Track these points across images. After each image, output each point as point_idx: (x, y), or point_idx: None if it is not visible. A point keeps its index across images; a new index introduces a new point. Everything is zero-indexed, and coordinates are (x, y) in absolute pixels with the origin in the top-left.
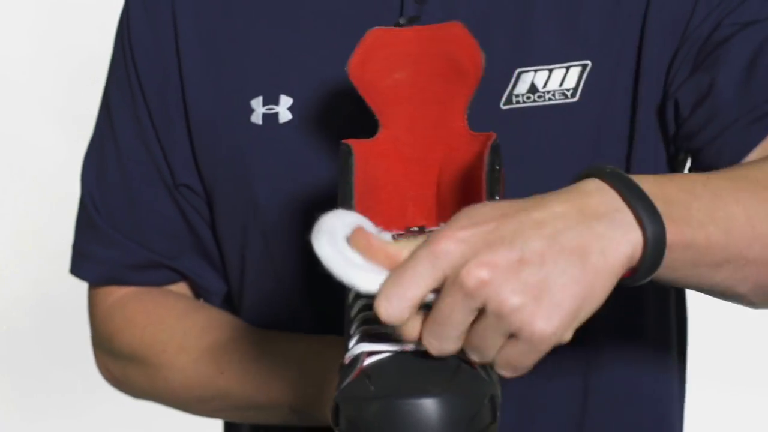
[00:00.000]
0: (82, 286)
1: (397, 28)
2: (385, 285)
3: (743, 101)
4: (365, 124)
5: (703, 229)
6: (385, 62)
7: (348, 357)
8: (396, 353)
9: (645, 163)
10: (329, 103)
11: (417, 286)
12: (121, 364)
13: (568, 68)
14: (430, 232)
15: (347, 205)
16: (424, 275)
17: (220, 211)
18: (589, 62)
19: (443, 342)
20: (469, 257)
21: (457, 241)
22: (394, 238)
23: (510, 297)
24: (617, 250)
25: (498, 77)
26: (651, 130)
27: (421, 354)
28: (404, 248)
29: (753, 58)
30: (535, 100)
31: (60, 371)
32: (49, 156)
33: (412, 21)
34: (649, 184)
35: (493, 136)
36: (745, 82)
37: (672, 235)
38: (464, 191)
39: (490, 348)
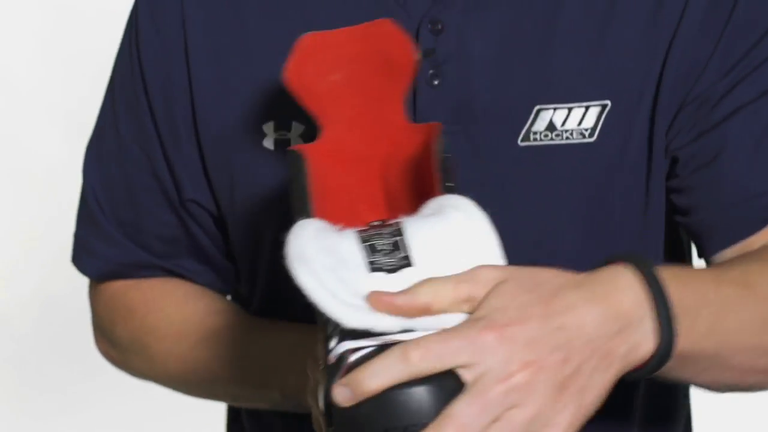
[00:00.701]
0: (84, 287)
1: (330, 30)
2: (425, 339)
3: (748, 184)
4: None
5: (701, 342)
6: (320, 66)
7: (332, 357)
8: (380, 347)
9: (657, 206)
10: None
11: (448, 357)
12: (122, 350)
13: (587, 107)
14: (394, 223)
15: (305, 212)
16: (458, 355)
17: (233, 226)
18: (609, 102)
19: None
20: (510, 357)
21: (502, 339)
22: (359, 234)
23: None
24: (634, 357)
25: (517, 113)
26: (662, 174)
27: None
28: (422, 295)
29: (762, 136)
30: (552, 139)
31: (63, 371)
32: (52, 157)
33: (428, 54)
34: (673, 286)
35: (438, 125)
36: (752, 163)
37: (676, 346)
38: (415, 182)
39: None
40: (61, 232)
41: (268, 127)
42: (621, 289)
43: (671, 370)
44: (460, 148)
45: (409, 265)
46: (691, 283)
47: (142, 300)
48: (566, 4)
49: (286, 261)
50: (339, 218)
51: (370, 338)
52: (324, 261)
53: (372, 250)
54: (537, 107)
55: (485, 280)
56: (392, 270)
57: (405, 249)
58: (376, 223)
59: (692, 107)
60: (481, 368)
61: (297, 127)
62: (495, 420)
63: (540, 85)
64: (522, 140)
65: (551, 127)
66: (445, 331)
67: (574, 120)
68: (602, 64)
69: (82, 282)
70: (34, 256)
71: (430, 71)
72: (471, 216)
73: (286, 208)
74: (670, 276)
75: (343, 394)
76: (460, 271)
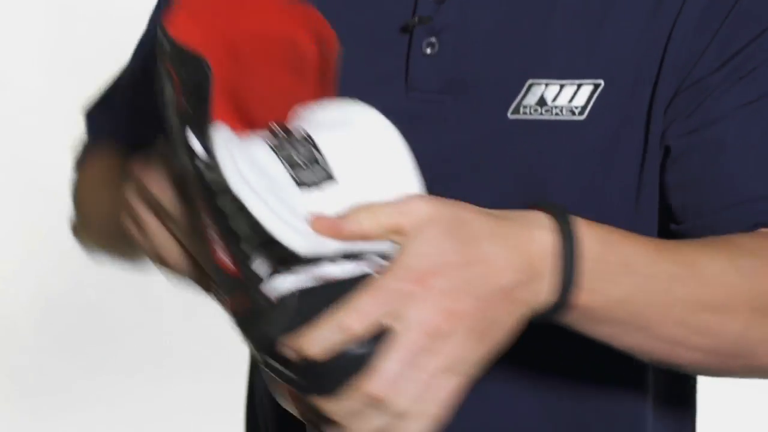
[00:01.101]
0: (85, 287)
1: None
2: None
3: (741, 188)
4: None
5: (615, 307)
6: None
7: (272, 293)
8: (323, 286)
9: (651, 187)
10: (341, 86)
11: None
12: (77, 221)
13: (579, 86)
14: (299, 131)
15: (205, 116)
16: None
17: None
18: (602, 82)
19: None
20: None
21: (424, 290)
22: (270, 145)
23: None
24: (535, 304)
25: (509, 85)
26: (656, 165)
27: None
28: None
29: (760, 139)
30: (542, 113)
31: (63, 370)
32: (55, 160)
33: (423, 21)
34: (592, 246)
35: (334, 35)
36: (748, 166)
37: (576, 299)
38: (287, 78)
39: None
40: (63, 234)
41: None
42: (534, 240)
43: (581, 323)
44: (450, 117)
45: (331, 179)
46: (620, 249)
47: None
48: None
49: (218, 176)
50: (230, 120)
51: (305, 268)
52: (260, 181)
53: (291, 164)
54: (529, 81)
55: (417, 216)
56: (317, 185)
57: (324, 163)
58: (278, 131)
59: (687, 94)
60: (406, 319)
61: None
62: (415, 367)
63: (534, 59)
64: (512, 113)
65: (542, 102)
66: (372, 286)
67: (565, 97)
68: (599, 44)
69: (84, 282)
70: (36, 257)
71: (427, 39)
72: (383, 128)
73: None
74: (593, 237)
75: (289, 354)
76: (381, 188)
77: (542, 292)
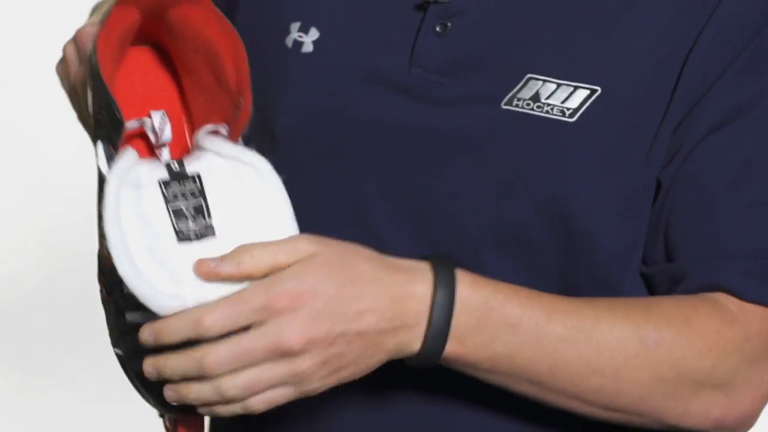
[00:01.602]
0: (93, 283)
1: None
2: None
3: (724, 245)
4: (386, 85)
5: (497, 361)
6: None
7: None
8: None
9: (643, 204)
10: (350, 47)
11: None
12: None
13: (576, 88)
14: (193, 177)
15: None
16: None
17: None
18: (599, 89)
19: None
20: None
21: (291, 307)
22: (163, 191)
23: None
24: (401, 352)
25: (508, 77)
26: (652, 178)
27: None
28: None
29: (756, 198)
30: (533, 109)
31: (71, 365)
32: (64, 157)
33: (441, 1)
34: (473, 298)
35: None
36: (737, 223)
37: (450, 349)
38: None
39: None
40: (72, 230)
41: (295, 26)
42: (413, 292)
43: (466, 370)
44: (447, 99)
45: (212, 234)
46: (504, 309)
47: None
48: None
49: (103, 225)
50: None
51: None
52: (140, 232)
53: (176, 214)
54: (528, 75)
55: (298, 253)
56: (197, 237)
57: (207, 215)
58: (175, 167)
59: (685, 129)
60: (263, 328)
61: (314, 33)
62: (255, 365)
63: (537, 55)
64: (505, 104)
65: (536, 97)
66: (243, 292)
67: (559, 97)
68: (605, 51)
69: (90, 277)
70: (45, 254)
71: (440, 19)
72: (269, 183)
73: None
74: (475, 295)
75: (145, 336)
76: (258, 238)
77: (409, 342)
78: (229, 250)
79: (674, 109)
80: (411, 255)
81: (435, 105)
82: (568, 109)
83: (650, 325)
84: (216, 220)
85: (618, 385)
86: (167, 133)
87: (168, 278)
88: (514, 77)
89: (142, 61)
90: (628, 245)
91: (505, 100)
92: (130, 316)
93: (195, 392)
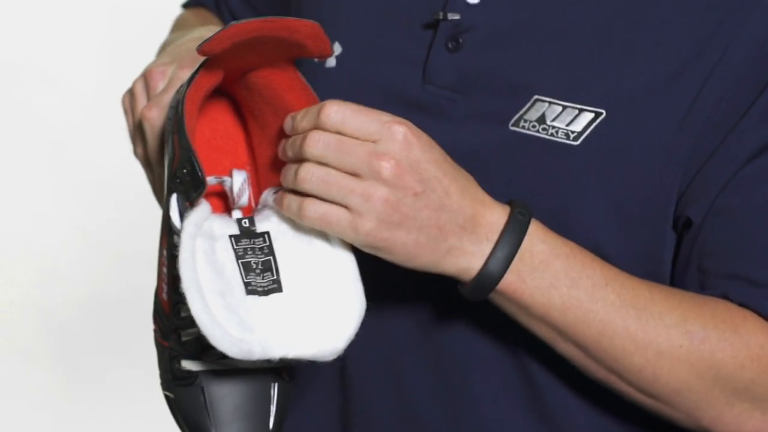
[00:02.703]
0: (137, 284)
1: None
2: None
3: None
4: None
5: (550, 310)
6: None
7: (183, 367)
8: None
9: (653, 229)
10: (370, 63)
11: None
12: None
13: (580, 111)
14: (263, 235)
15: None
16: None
17: None
18: (604, 112)
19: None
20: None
21: (404, 140)
22: (234, 247)
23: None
24: (456, 261)
25: (516, 98)
26: (670, 202)
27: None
28: None
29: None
30: (538, 131)
31: (115, 368)
32: (108, 156)
33: (451, 18)
34: (542, 242)
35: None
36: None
37: (506, 283)
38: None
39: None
40: (116, 230)
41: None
42: (492, 208)
43: (515, 312)
44: (458, 117)
45: (279, 289)
46: (568, 262)
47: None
48: (603, 6)
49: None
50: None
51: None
52: (213, 279)
53: (246, 268)
54: (535, 96)
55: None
56: (265, 292)
57: (275, 272)
58: (246, 224)
59: (716, 161)
60: (375, 145)
61: (337, 48)
62: (341, 170)
63: (544, 76)
64: (512, 125)
65: (541, 119)
66: (363, 109)
67: (565, 119)
68: (611, 75)
69: (137, 280)
70: (89, 254)
71: (451, 36)
72: (335, 245)
73: None
74: (545, 240)
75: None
76: (324, 304)
77: (471, 255)
78: (293, 306)
79: (689, 134)
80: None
81: (447, 122)
82: (573, 132)
83: (699, 322)
84: (283, 276)
85: (657, 371)
86: (245, 199)
87: (237, 324)
88: (522, 98)
89: (211, 107)
90: (632, 265)
91: (513, 120)
92: (187, 364)
93: (284, 173)
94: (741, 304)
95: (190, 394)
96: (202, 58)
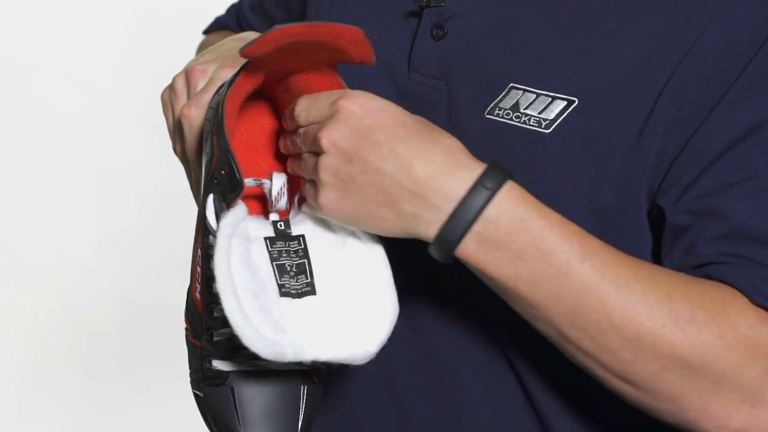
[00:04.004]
0: (164, 288)
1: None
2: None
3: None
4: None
5: (518, 283)
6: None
7: (214, 368)
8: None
9: (628, 216)
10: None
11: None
12: None
13: (553, 99)
14: (298, 238)
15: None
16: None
17: None
18: (576, 100)
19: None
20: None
21: (346, 111)
22: (269, 249)
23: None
24: (413, 226)
25: (493, 86)
26: (643, 185)
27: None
28: None
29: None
30: (512, 119)
31: (142, 370)
32: (136, 159)
33: (435, 4)
34: (508, 214)
35: None
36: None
37: (464, 250)
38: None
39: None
40: (143, 233)
41: None
42: (452, 176)
43: (487, 281)
44: (442, 105)
45: (313, 292)
46: (539, 234)
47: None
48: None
49: (212, 258)
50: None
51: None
52: (247, 279)
53: (280, 270)
54: (511, 85)
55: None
56: (298, 294)
57: (309, 275)
58: (281, 227)
59: (689, 157)
60: (325, 121)
61: None
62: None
63: (520, 64)
64: (488, 113)
65: (515, 107)
66: (320, 95)
67: (537, 107)
68: (584, 63)
69: (158, 281)
70: (117, 257)
71: (435, 23)
72: (369, 249)
73: None
74: (515, 209)
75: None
76: (356, 307)
77: (427, 224)
78: (327, 309)
79: (658, 121)
80: (396, 259)
81: (433, 110)
82: (545, 119)
83: (685, 301)
84: (317, 280)
85: (636, 352)
86: (282, 203)
87: (270, 326)
88: (498, 86)
89: (249, 107)
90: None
91: (488, 108)
92: (218, 364)
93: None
94: (729, 284)
95: (220, 394)
96: (244, 58)
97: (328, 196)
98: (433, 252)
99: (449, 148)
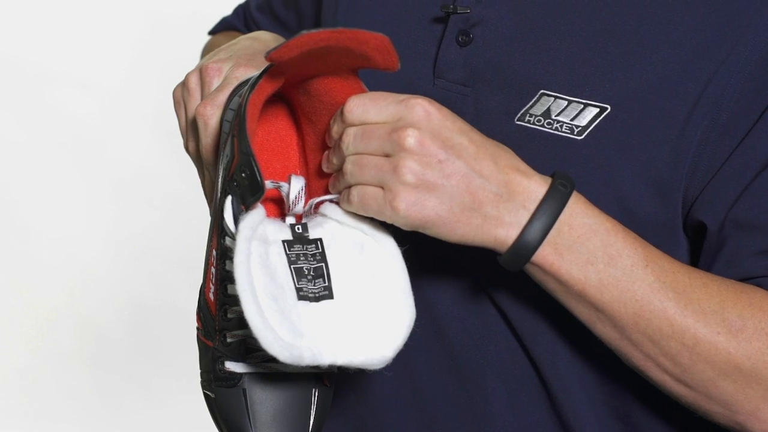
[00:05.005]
0: (172, 289)
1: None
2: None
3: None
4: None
5: (586, 287)
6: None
7: (227, 369)
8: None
9: (664, 223)
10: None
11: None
12: None
13: (585, 106)
14: (315, 242)
15: (249, 151)
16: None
17: None
18: (608, 107)
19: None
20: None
21: (426, 113)
22: (287, 252)
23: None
24: (493, 229)
25: (522, 92)
26: (677, 195)
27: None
28: None
29: None
30: (543, 125)
31: (150, 370)
32: (146, 162)
33: (461, 11)
34: (581, 216)
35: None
36: None
37: (542, 255)
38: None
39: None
40: (150, 235)
41: None
42: (531, 179)
43: (553, 288)
44: (468, 111)
45: (330, 296)
46: (608, 239)
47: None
48: (611, 2)
49: (231, 259)
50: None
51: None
52: (266, 283)
53: (298, 274)
54: (541, 91)
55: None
56: (316, 298)
57: (327, 279)
58: (299, 230)
59: (733, 164)
60: (397, 122)
61: None
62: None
63: (551, 70)
64: (518, 119)
65: (547, 113)
66: (381, 94)
67: (569, 114)
68: (617, 70)
69: (166, 283)
70: (125, 258)
71: (461, 29)
72: (388, 254)
73: None
74: (585, 215)
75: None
76: (374, 312)
77: (508, 225)
78: (344, 313)
79: (695, 130)
80: (422, 263)
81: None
82: (577, 126)
83: (736, 310)
84: (335, 283)
85: (693, 358)
86: (300, 206)
87: (288, 329)
88: (528, 92)
89: (266, 109)
90: None
91: (518, 115)
92: (231, 365)
93: (332, 182)
94: None
95: (231, 395)
96: (258, 57)
97: (407, 200)
98: (507, 258)
99: (512, 153)
